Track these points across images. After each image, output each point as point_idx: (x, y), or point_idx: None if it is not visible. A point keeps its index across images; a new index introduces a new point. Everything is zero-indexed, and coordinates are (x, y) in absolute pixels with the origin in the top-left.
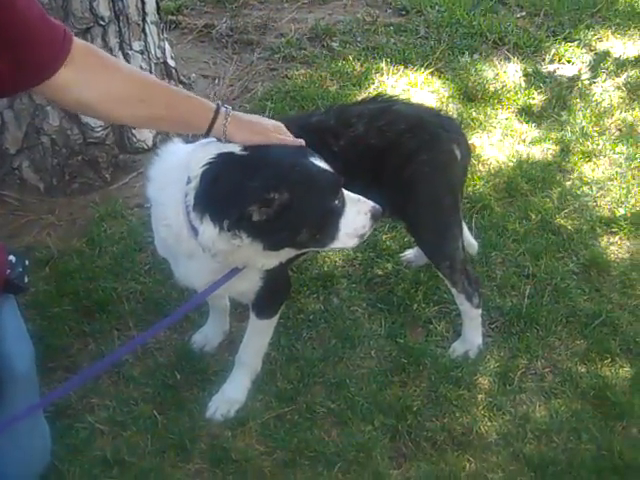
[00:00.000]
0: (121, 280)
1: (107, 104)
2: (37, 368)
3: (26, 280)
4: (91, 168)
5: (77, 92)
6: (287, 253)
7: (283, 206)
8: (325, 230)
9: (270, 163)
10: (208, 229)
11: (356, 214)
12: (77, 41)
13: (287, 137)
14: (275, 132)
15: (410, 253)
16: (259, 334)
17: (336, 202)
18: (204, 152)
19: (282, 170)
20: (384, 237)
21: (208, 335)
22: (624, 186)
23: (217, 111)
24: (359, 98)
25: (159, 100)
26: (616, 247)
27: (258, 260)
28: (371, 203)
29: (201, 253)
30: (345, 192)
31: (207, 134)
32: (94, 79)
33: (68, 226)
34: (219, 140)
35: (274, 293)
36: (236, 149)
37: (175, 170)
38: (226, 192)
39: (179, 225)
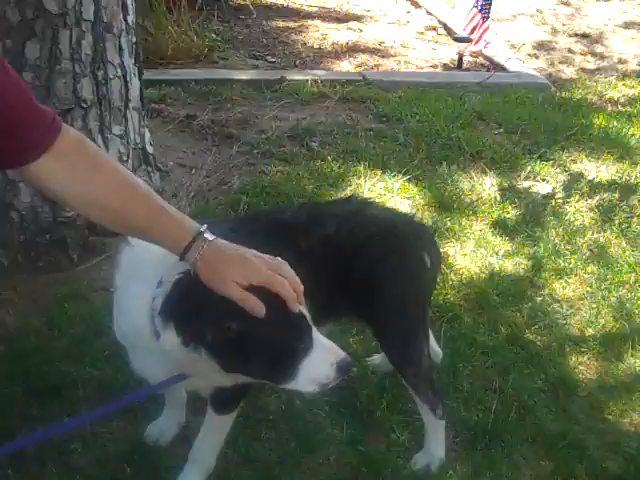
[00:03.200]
0: (78, 364)
1: (81, 204)
2: None
3: None
4: (58, 247)
5: (54, 185)
6: (244, 378)
7: (239, 335)
8: (281, 369)
9: None
10: (170, 337)
11: (322, 362)
12: (71, 133)
13: (247, 296)
14: (248, 277)
15: (377, 358)
16: (216, 429)
17: (300, 345)
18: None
19: None
20: (351, 340)
21: (162, 427)
22: (594, 306)
23: (194, 239)
24: (335, 198)
25: (138, 215)
26: (585, 367)
27: (214, 376)
28: (342, 354)
29: (159, 351)
30: (317, 336)
31: (181, 260)
32: (76, 177)
33: (28, 304)
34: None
35: (234, 389)
36: None
37: (147, 266)
38: (193, 308)
39: (142, 324)
